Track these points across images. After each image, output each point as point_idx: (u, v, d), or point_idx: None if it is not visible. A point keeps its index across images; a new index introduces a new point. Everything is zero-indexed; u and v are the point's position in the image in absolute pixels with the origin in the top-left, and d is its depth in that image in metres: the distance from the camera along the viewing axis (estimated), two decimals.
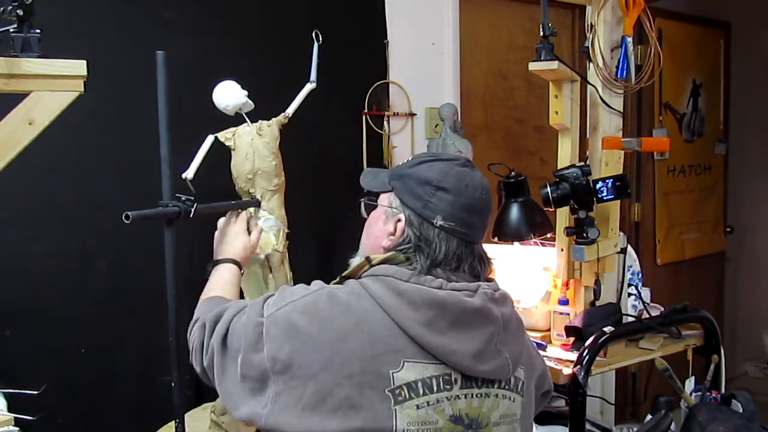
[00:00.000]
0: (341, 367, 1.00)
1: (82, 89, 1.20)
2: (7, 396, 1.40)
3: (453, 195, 1.12)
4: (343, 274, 1.17)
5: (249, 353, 1.07)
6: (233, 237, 1.50)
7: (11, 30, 1.13)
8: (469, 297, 1.07)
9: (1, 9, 1.11)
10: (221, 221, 1.55)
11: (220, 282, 1.40)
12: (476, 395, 1.08)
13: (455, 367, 1.05)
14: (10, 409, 1.35)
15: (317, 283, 1.13)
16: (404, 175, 1.17)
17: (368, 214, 1.25)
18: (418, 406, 1.03)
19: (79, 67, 1.19)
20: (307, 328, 1.04)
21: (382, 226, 1.18)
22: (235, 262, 1.45)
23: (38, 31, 1.15)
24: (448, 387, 1.05)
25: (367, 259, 1.13)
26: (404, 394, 1.02)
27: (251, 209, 1.60)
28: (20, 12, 1.11)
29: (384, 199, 1.21)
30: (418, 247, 1.11)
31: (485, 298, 1.09)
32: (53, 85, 1.18)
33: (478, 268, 1.15)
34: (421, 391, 1.03)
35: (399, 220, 1.15)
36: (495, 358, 1.08)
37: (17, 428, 1.25)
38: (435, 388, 1.04)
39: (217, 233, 1.54)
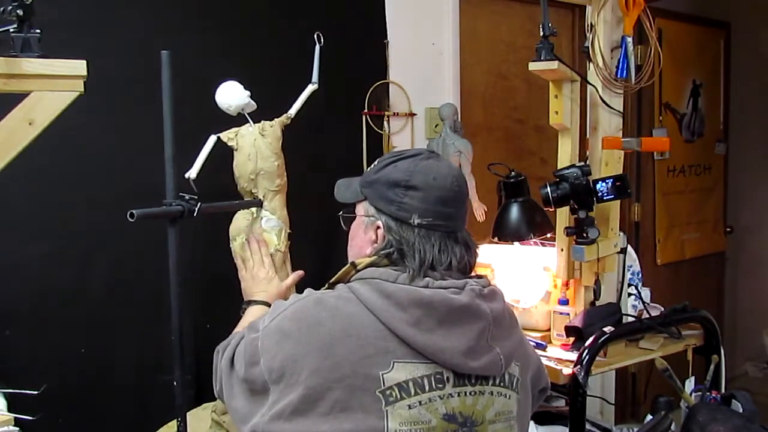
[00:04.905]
0: (331, 371, 1.00)
1: (82, 89, 1.20)
2: (7, 396, 1.40)
3: (423, 191, 1.12)
4: (331, 281, 1.18)
5: (249, 368, 1.09)
6: (267, 281, 1.52)
7: (11, 30, 1.13)
8: (455, 294, 1.07)
9: (1, 9, 1.11)
10: (246, 262, 1.56)
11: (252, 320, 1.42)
12: (470, 393, 1.07)
13: (446, 365, 1.05)
14: (10, 409, 1.35)
15: (307, 291, 1.14)
16: (373, 182, 1.18)
17: (348, 227, 1.26)
18: (410, 406, 1.02)
19: (79, 67, 1.19)
20: (296, 334, 1.05)
21: (363, 235, 1.19)
22: (268, 305, 1.47)
23: (38, 31, 1.14)
24: (440, 386, 1.05)
25: (353, 264, 1.13)
26: (395, 394, 1.02)
27: (254, 210, 1.60)
28: (20, 12, 1.11)
29: (360, 209, 1.22)
30: (401, 251, 1.11)
31: (473, 294, 1.08)
32: (53, 85, 1.17)
33: (466, 256, 1.15)
34: (412, 391, 1.03)
35: (378, 227, 1.15)
36: (486, 355, 1.08)
37: (17, 428, 1.25)
38: (427, 388, 1.04)
39: (245, 274, 1.55)
